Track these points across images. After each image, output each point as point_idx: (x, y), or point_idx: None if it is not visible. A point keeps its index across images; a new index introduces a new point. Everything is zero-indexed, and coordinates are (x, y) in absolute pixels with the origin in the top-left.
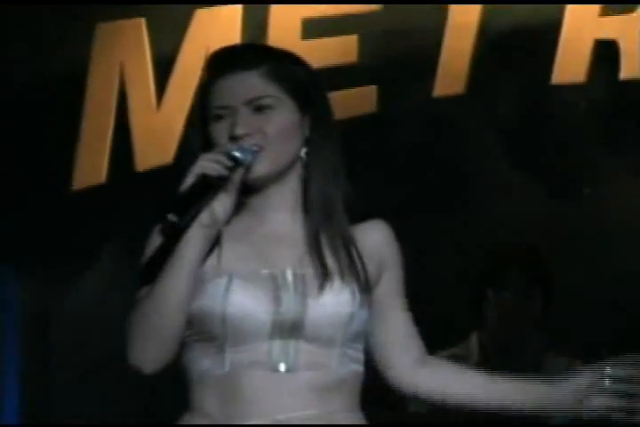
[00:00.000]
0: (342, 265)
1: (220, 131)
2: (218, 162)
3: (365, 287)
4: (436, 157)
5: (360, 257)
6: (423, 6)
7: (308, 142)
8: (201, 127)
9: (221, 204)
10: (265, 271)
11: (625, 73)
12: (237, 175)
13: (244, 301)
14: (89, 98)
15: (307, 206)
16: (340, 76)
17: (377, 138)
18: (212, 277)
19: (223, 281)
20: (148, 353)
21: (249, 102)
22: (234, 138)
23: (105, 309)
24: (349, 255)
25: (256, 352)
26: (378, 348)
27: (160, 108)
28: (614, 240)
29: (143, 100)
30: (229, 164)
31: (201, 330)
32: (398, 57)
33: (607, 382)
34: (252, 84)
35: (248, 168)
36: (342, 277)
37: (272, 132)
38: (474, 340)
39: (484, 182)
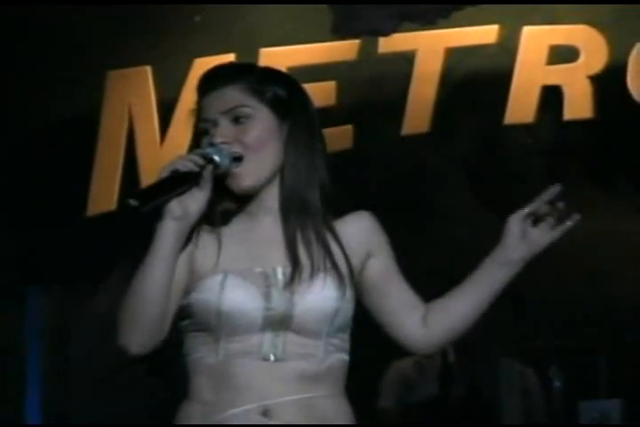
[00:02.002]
0: (320, 262)
1: (204, 143)
2: (190, 160)
3: (350, 282)
4: (403, 187)
5: (344, 251)
6: (393, 57)
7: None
8: (196, 144)
9: (194, 198)
10: (258, 269)
11: (568, 115)
12: (207, 172)
13: (237, 296)
14: (101, 135)
15: (282, 207)
16: (320, 116)
17: (352, 171)
18: (209, 273)
19: (219, 277)
20: (132, 336)
21: (226, 112)
22: (212, 145)
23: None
24: (328, 252)
25: (248, 343)
26: (389, 322)
27: (163, 144)
28: (557, 261)
29: (149, 137)
30: (201, 162)
31: (198, 321)
32: (371, 100)
33: (531, 215)
34: (229, 96)
35: (225, 172)
36: (325, 273)
37: (249, 141)
38: None
39: (445, 209)
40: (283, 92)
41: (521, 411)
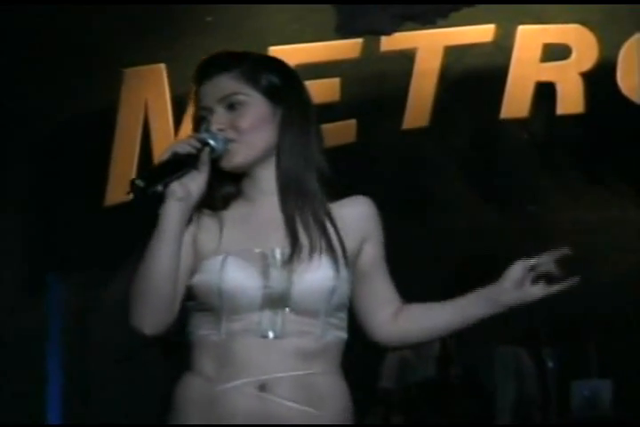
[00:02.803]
0: (317, 243)
1: (201, 129)
2: (188, 143)
3: (345, 262)
4: (404, 179)
5: (338, 233)
6: (394, 55)
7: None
8: (196, 131)
9: (194, 180)
10: (257, 250)
11: (561, 110)
12: (205, 155)
13: (237, 276)
14: (119, 129)
15: (280, 189)
16: (325, 112)
17: (355, 163)
18: (211, 254)
19: (220, 258)
20: (144, 317)
21: (221, 100)
22: (208, 131)
23: None
24: (325, 233)
25: (248, 321)
26: (363, 309)
27: (177, 137)
28: (551, 247)
29: (163, 131)
30: (198, 145)
31: (201, 301)
32: (373, 96)
33: (534, 268)
34: (224, 84)
35: (220, 155)
36: (322, 253)
37: (243, 126)
38: None
39: (444, 200)
40: (276, 79)
41: (516, 391)
